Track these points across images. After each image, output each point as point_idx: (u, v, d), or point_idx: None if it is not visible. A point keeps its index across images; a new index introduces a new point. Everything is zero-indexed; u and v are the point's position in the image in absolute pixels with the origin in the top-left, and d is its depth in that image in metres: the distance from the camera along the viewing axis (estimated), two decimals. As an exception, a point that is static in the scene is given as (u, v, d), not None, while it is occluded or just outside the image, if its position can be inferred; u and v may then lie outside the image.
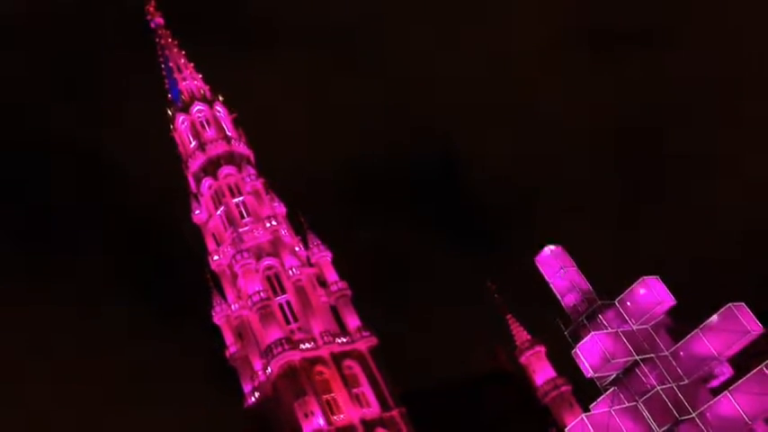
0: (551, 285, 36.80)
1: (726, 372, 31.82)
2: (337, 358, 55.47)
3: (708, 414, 30.24)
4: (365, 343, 57.01)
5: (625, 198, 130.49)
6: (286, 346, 53.97)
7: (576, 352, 32.86)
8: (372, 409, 53.99)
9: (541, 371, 64.97)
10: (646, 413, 31.21)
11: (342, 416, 52.72)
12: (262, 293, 56.34)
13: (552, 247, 37.63)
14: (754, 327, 30.24)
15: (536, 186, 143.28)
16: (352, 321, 58.21)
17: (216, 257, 61.70)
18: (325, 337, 56.01)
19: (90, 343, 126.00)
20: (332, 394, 53.74)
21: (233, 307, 59.84)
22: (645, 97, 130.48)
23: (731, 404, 29.65)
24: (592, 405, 34.72)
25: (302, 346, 54.82)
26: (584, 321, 34.50)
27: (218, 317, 60.21)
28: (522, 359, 66.00)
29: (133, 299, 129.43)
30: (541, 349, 65.83)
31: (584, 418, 31.20)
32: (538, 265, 37.50)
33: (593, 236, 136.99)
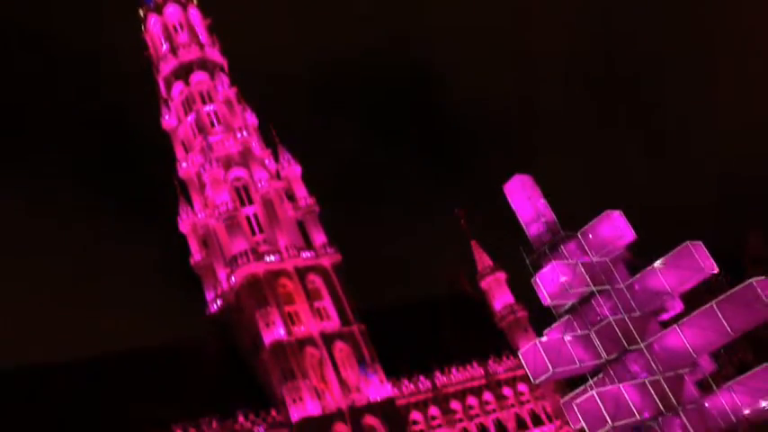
0: (517, 214, 37.33)
1: (677, 306, 32.96)
2: (301, 272, 56.08)
3: (655, 345, 31.45)
4: (329, 259, 57.62)
5: (601, 127, 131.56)
6: (251, 257, 54.34)
7: (535, 280, 33.65)
8: (333, 323, 55.05)
9: (500, 296, 66.62)
10: (596, 341, 32.30)
11: (302, 328, 53.69)
12: (229, 204, 56.23)
13: (521, 176, 37.98)
14: (708, 265, 31.20)
15: (511, 114, 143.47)
16: (319, 237, 58.63)
17: (184, 164, 61.12)
18: (291, 251, 56.43)
19: (44, 239, 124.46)
20: (294, 306, 54.55)
21: (199, 215, 59.74)
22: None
23: (679, 337, 30.84)
24: (546, 331, 35.83)
25: (267, 258, 55.22)
26: (547, 251, 35.23)
27: (183, 224, 60.15)
28: (483, 284, 67.49)
29: (94, 197, 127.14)
30: (502, 276, 67.31)
31: (538, 343, 32.17)
32: (506, 192, 37.89)
33: (567, 165, 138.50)
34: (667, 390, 30.47)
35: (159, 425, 46.35)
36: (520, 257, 35.52)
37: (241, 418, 49.00)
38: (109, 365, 50.21)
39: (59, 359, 50.32)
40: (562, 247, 35.20)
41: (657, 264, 32.37)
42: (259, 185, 58.66)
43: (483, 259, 68.18)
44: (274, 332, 51.98)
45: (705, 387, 32.70)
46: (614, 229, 33.63)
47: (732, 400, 29.91)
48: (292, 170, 61.40)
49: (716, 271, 31.70)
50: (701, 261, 31.06)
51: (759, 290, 28.79)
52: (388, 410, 52.70)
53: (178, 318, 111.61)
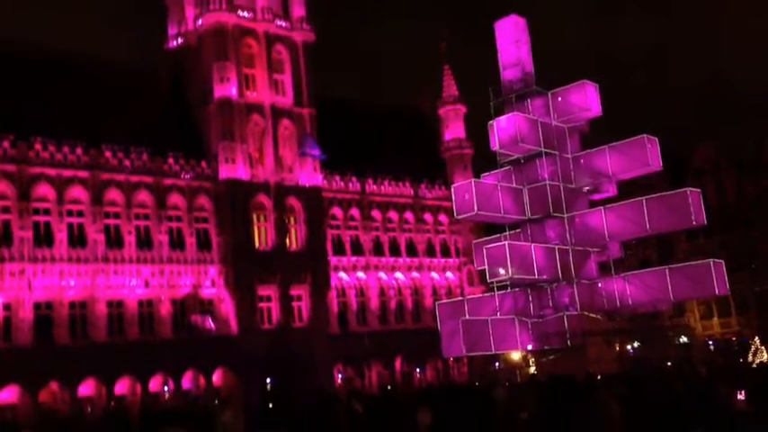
0: (499, 54, 36.61)
1: (611, 190, 33.97)
2: (270, 39, 54.39)
3: (577, 219, 32.69)
4: (302, 35, 55.87)
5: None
6: (224, 5, 52.14)
7: (492, 123, 33.78)
8: (286, 100, 54.44)
9: (454, 128, 66.93)
10: (526, 198, 33.29)
11: (255, 94, 53.00)
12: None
13: (517, 17, 36.82)
14: (655, 162, 31.89)
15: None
16: (298, 10, 56.37)
17: None
18: (266, 14, 54.27)
19: None
20: (253, 71, 53.43)
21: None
22: None
23: (601, 218, 32.07)
24: (484, 174, 36.58)
25: (240, 12, 53.05)
26: (513, 100, 35.12)
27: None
28: (442, 111, 67.41)
29: None
30: (462, 109, 67.21)
31: (472, 183, 32.93)
32: (495, 29, 36.86)
33: (570, 17, 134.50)
34: (571, 261, 32.14)
35: (88, 139, 46.16)
36: (485, 99, 35.35)
37: (171, 160, 49.28)
38: (55, 61, 48.64)
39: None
40: (529, 100, 35.18)
41: (608, 146, 32.84)
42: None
43: (450, 87, 67.57)
44: (227, 89, 51.18)
45: (604, 270, 34.65)
46: (585, 99, 33.62)
47: (624, 288, 31.89)
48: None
49: (659, 169, 32.43)
50: (650, 156, 31.67)
51: (690, 199, 29.83)
52: (313, 198, 53.99)
53: (135, 39, 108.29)
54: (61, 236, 44.34)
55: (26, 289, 42.31)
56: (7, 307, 42.08)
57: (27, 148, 44.14)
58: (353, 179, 58.72)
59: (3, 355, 40.32)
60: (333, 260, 55.63)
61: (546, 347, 31.60)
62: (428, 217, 63.30)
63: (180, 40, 55.57)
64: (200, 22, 53.55)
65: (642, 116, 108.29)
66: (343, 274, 56.74)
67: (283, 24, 55.41)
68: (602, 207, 32.67)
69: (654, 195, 31.63)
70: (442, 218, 63.57)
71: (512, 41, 35.72)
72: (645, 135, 31.76)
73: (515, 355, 34.39)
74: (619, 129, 35.51)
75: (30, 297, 42.42)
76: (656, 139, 31.86)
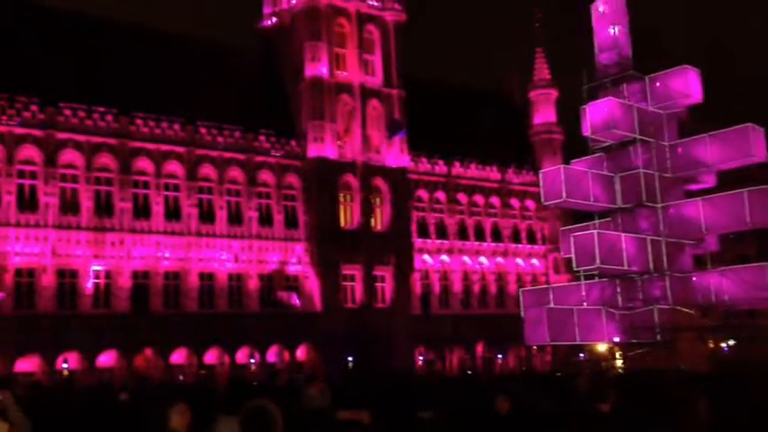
0: (595, 36, 35.53)
1: (710, 181, 32.54)
2: (362, 18, 54.59)
3: (672, 209, 31.50)
4: (393, 15, 55.81)
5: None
6: (318, -13, 52.57)
7: (585, 108, 32.88)
8: (376, 80, 54.62)
9: (544, 112, 65.61)
10: (618, 186, 32.33)
11: (345, 74, 53.39)
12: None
13: (616, -3, 35.52)
14: (758, 153, 30.29)
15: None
16: (390, -10, 56.29)
17: None
18: (359, -5, 54.50)
19: None
20: (344, 50, 53.80)
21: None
22: None
23: (698, 210, 30.78)
24: (574, 161, 35.70)
25: (333, -8, 53.40)
26: (608, 84, 34.05)
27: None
28: (532, 95, 66.16)
29: None
30: (554, 93, 65.77)
31: (561, 168, 32.22)
32: (592, 10, 35.77)
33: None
34: (664, 253, 31.05)
35: (184, 116, 47.63)
36: (577, 83, 34.44)
37: (262, 138, 50.36)
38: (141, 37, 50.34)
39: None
40: (625, 85, 34.03)
41: (709, 134, 31.42)
42: None
43: (542, 70, 66.17)
44: (317, 68, 51.77)
45: (700, 264, 33.32)
46: (685, 85, 32.23)
47: (720, 283, 30.57)
48: None
49: (763, 160, 30.82)
50: (753, 146, 30.11)
51: (796, 194, 28.21)
52: (399, 179, 54.11)
53: (231, 19, 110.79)
54: (158, 208, 46.10)
55: (125, 258, 44.33)
56: (108, 275, 44.21)
57: (128, 122, 45.96)
58: (440, 162, 58.47)
59: (102, 321, 42.44)
60: (417, 242, 55.70)
61: (633, 341, 30.72)
62: (515, 202, 62.45)
63: (274, 20, 56.51)
64: (294, 1, 54.27)
65: (752, 105, 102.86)
66: (426, 257, 56.75)
67: (375, 4, 55.49)
68: (699, 198, 31.34)
69: (756, 188, 30.07)
70: (529, 203, 62.59)
71: (608, 23, 34.58)
72: (749, 124, 30.23)
73: (601, 347, 33.58)
74: (725, 118, 33.88)
75: (128, 266, 44.42)
76: (762, 130, 30.25)
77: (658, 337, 29.61)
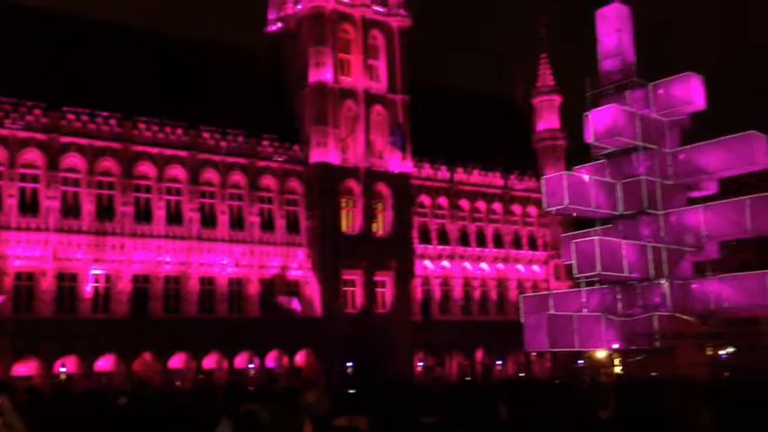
0: (599, 43, 35.53)
1: (711, 188, 32.46)
2: (366, 24, 54.67)
3: (673, 217, 31.43)
4: (398, 21, 55.88)
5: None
6: (322, -8, 52.66)
7: (587, 115, 32.86)
8: (380, 86, 54.68)
9: (548, 118, 65.57)
10: (620, 193, 32.29)
11: (350, 79, 53.44)
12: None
13: (620, 5, 35.61)
14: (761, 160, 30.21)
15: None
16: (395, -4, 56.38)
17: None
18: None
19: None
20: (348, 56, 53.87)
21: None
22: None
23: (699, 217, 30.70)
24: (576, 167, 35.65)
25: (337, -2, 53.49)
26: (611, 91, 34.03)
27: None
28: (536, 101, 66.15)
29: None
30: (557, 99, 65.73)
31: (564, 175, 32.17)
32: (596, 17, 35.79)
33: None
34: (665, 260, 30.98)
35: (187, 120, 47.67)
36: (580, 89, 34.41)
37: (265, 143, 50.40)
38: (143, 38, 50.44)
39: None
40: (628, 92, 33.98)
41: (711, 142, 31.37)
42: None
43: (546, 76, 66.17)
44: (322, 74, 51.82)
45: (699, 271, 33.21)
46: (687, 92, 32.19)
47: (720, 290, 30.47)
48: None
49: (766, 167, 30.74)
50: (756, 154, 30.03)
51: (798, 202, 28.12)
52: (402, 185, 54.09)
53: (233, 19, 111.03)
54: (159, 213, 46.13)
55: (126, 262, 44.33)
56: (108, 279, 44.21)
57: (131, 126, 46.02)
58: (443, 168, 58.46)
59: (102, 325, 42.42)
60: (418, 248, 55.64)
61: (633, 347, 30.62)
62: (516, 208, 62.40)
63: (279, 25, 56.61)
64: (299, 6, 54.37)
65: (756, 113, 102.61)
66: (428, 263, 56.68)
67: (380, 10, 55.58)
68: (700, 205, 31.28)
69: (758, 195, 30.00)
70: (531, 210, 62.52)
71: (612, 30, 34.57)
72: (752, 131, 30.16)
73: (600, 354, 33.48)
74: (729, 126, 33.77)
75: (129, 270, 44.42)
76: (765, 137, 30.18)
77: (657, 344, 29.51)
